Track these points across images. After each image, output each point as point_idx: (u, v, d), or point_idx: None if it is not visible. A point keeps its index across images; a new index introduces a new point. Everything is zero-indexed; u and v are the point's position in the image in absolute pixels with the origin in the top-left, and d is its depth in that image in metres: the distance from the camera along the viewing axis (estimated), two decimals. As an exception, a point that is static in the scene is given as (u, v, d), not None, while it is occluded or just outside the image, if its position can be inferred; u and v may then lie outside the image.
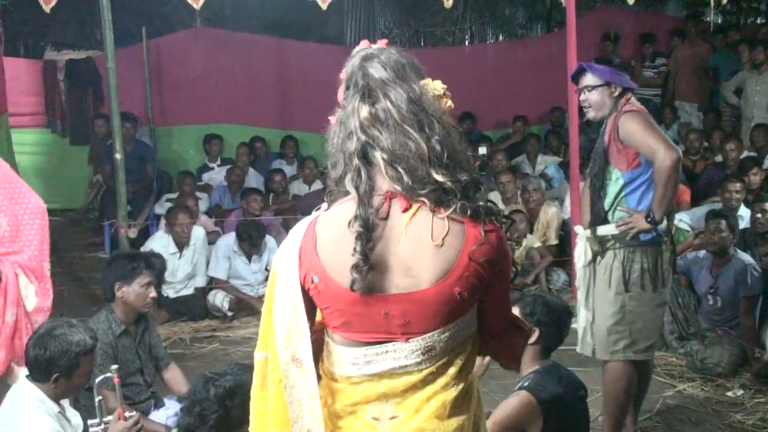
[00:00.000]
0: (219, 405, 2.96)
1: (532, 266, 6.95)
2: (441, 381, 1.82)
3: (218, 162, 9.28)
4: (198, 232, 6.75)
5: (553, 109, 10.18)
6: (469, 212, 1.74)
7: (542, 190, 7.47)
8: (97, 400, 3.18)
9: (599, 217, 3.83)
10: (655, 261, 3.71)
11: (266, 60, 10.01)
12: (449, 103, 1.87)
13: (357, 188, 1.76)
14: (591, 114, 3.94)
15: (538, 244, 7.07)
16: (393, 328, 1.78)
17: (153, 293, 4.06)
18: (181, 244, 6.61)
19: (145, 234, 7.51)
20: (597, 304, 3.87)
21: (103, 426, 3.19)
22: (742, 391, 4.78)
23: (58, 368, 3.16)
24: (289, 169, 8.97)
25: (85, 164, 9.58)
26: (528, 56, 10.88)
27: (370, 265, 1.73)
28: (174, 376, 4.28)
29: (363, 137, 1.77)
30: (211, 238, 7.05)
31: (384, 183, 1.77)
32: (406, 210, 1.75)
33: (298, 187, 8.58)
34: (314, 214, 1.87)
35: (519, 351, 2.10)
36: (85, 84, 9.59)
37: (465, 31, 12.62)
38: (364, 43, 1.90)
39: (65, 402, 3.38)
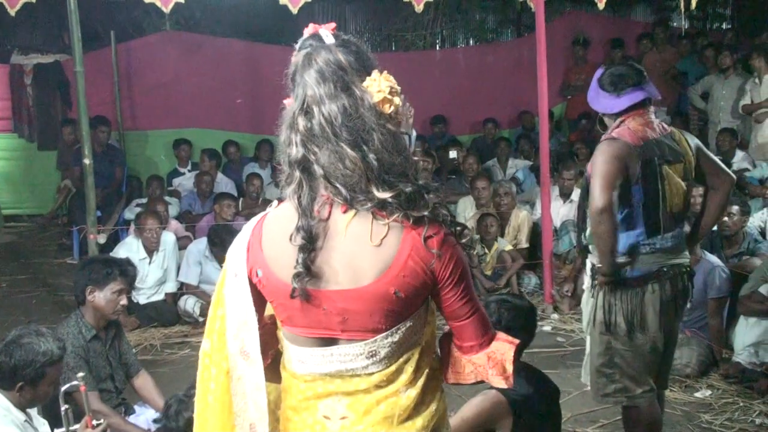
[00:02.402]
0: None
1: (504, 269, 6.98)
2: (392, 388, 1.83)
3: (188, 167, 9.22)
4: (168, 238, 6.70)
5: (523, 113, 10.25)
6: (411, 220, 1.74)
7: (513, 193, 7.51)
8: (63, 408, 3.14)
9: (583, 247, 3.61)
10: (636, 303, 3.38)
11: (237, 64, 9.97)
12: (396, 102, 1.80)
13: (299, 200, 1.77)
14: (599, 126, 3.72)
15: (509, 247, 7.10)
16: (332, 325, 1.80)
17: (124, 301, 4.04)
18: (151, 249, 6.55)
19: (114, 239, 7.44)
20: (590, 338, 3.59)
21: (70, 434, 3.15)
22: (710, 392, 4.83)
23: (22, 377, 3.11)
24: (263, 173, 8.93)
25: (53, 169, 9.48)
26: (498, 60, 10.95)
27: (312, 270, 1.75)
28: (144, 383, 4.24)
29: (302, 150, 1.76)
30: (182, 244, 7.00)
31: (325, 190, 1.78)
32: (346, 211, 1.76)
33: (270, 192, 8.55)
34: (267, 209, 1.92)
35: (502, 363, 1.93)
36: (53, 88, 9.49)
37: (436, 35, 12.65)
38: (311, 28, 1.87)
39: (33, 410, 3.33)
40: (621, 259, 3.37)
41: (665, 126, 3.49)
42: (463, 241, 1.83)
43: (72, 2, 5.66)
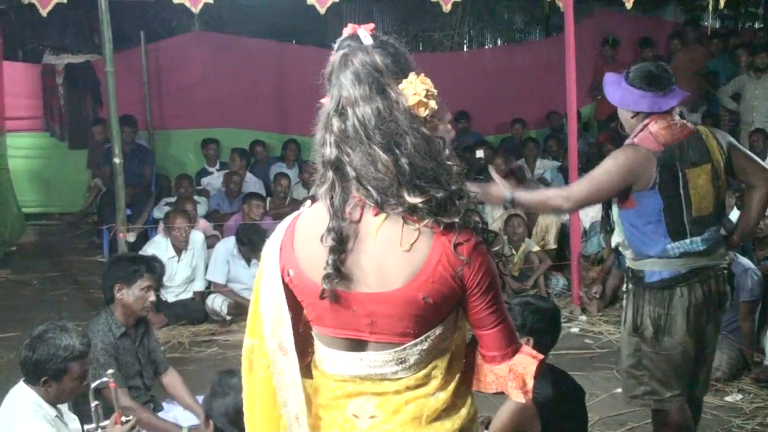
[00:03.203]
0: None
1: (531, 270, 6.95)
2: (422, 391, 1.84)
3: (217, 166, 9.28)
4: (196, 236, 6.75)
5: (551, 113, 10.19)
6: (441, 226, 1.74)
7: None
8: (93, 405, 3.17)
9: (613, 249, 3.63)
10: (663, 306, 3.32)
11: (265, 64, 10.02)
12: (432, 105, 1.79)
13: (331, 201, 1.77)
14: (625, 129, 3.58)
15: (536, 248, 7.07)
16: (361, 326, 1.81)
17: (152, 297, 4.06)
18: (180, 248, 6.60)
19: (143, 238, 7.50)
20: (622, 339, 3.60)
21: (100, 431, 3.18)
22: (741, 396, 4.78)
23: (45, 372, 3.15)
24: (290, 173, 8.96)
25: (84, 168, 9.58)
26: (526, 61, 10.90)
27: (342, 271, 1.76)
28: (173, 380, 4.28)
29: (335, 151, 1.77)
30: (210, 242, 7.04)
31: (357, 191, 1.78)
32: (377, 214, 1.77)
33: (297, 192, 8.58)
34: (301, 209, 1.93)
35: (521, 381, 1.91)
36: (83, 88, 9.60)
37: (463, 35, 12.62)
38: (350, 28, 1.86)
39: (63, 406, 3.37)
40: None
41: (690, 125, 3.40)
42: (495, 249, 1.82)
43: (103, 3, 5.72)
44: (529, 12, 12.62)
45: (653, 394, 3.44)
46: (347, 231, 1.76)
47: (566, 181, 7.43)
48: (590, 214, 7.34)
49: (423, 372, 1.83)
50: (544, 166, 9.15)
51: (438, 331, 1.82)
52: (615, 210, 3.50)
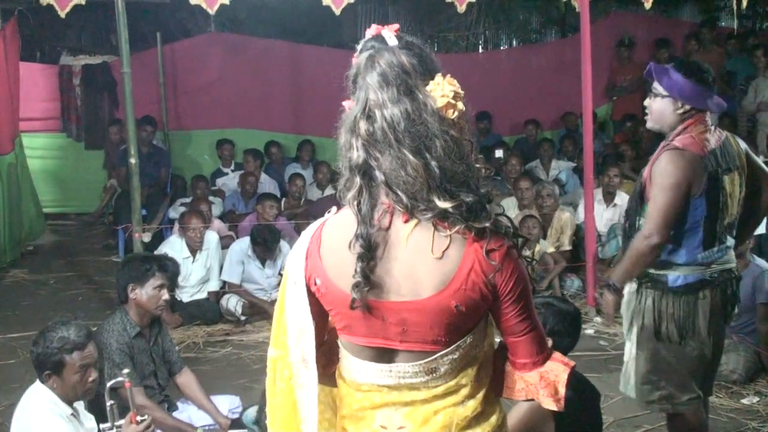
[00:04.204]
0: None
1: (546, 272, 6.93)
2: (451, 399, 1.81)
3: (232, 167, 9.31)
4: (211, 237, 6.77)
5: (566, 114, 10.16)
6: (473, 232, 1.71)
7: (556, 195, 7.45)
8: (108, 404, 3.19)
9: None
10: (688, 310, 3.30)
11: (281, 65, 10.04)
12: (460, 107, 1.74)
13: (359, 207, 1.73)
14: (649, 123, 3.47)
15: (551, 249, 7.04)
16: (391, 335, 1.78)
17: (165, 296, 4.08)
18: (194, 248, 6.63)
19: (159, 238, 7.54)
20: (636, 344, 3.49)
21: (115, 430, 3.19)
22: (757, 399, 4.74)
23: (46, 366, 3.19)
24: (305, 174, 8.98)
25: (100, 168, 9.64)
26: (542, 61, 10.87)
27: (371, 279, 1.73)
28: (187, 380, 4.29)
29: (363, 154, 1.72)
30: (225, 243, 7.07)
31: (386, 197, 1.74)
32: (407, 221, 1.73)
33: (312, 192, 8.59)
34: (326, 216, 1.88)
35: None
36: (100, 89, 9.66)
37: (479, 36, 12.60)
38: (374, 29, 1.82)
39: (80, 405, 3.39)
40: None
41: (720, 131, 3.38)
42: (526, 254, 1.80)
43: (120, 4, 5.75)
44: (545, 13, 12.59)
45: (670, 398, 3.40)
46: (376, 238, 1.73)
47: (581, 182, 7.40)
48: (605, 217, 7.31)
49: (453, 381, 1.80)
50: (560, 166, 9.12)
51: (469, 339, 1.80)
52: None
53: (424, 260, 1.72)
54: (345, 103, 1.81)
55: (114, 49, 9.16)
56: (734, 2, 6.52)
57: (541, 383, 1.85)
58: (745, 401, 4.72)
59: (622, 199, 7.16)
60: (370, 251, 1.72)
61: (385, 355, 1.81)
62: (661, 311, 3.35)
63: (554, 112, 10.49)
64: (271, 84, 9.95)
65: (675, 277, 3.33)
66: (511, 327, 1.82)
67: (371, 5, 11.72)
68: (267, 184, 8.80)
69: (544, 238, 7.13)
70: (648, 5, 6.43)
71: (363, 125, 1.72)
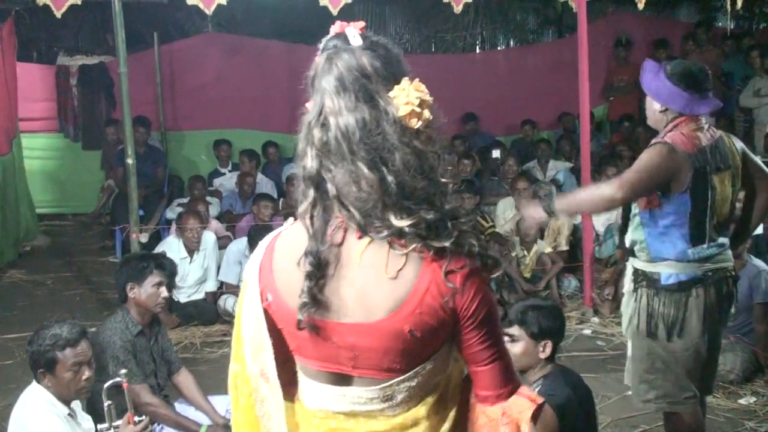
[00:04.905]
0: None
1: (543, 272, 6.93)
2: (414, 431, 1.68)
3: (229, 167, 9.31)
4: (208, 237, 6.77)
5: (563, 114, 10.17)
6: (432, 251, 1.56)
7: (553, 196, 7.43)
8: (105, 404, 3.19)
9: (627, 250, 3.53)
10: (679, 308, 3.31)
11: (278, 65, 10.04)
12: (426, 115, 1.59)
13: (311, 221, 1.62)
14: (647, 120, 3.54)
15: (548, 249, 7.04)
16: (342, 360, 1.65)
17: (164, 293, 4.10)
18: (192, 248, 6.62)
19: (156, 238, 7.53)
20: (632, 343, 3.52)
21: (112, 430, 3.19)
22: (754, 399, 4.75)
23: (39, 364, 3.20)
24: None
25: (98, 169, 9.63)
26: (539, 62, 10.87)
27: (319, 300, 1.61)
28: (185, 380, 4.29)
29: (316, 165, 1.60)
30: (222, 243, 7.06)
31: (340, 211, 1.61)
32: (361, 237, 1.60)
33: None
34: (283, 226, 1.77)
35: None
36: (97, 89, 9.65)
37: (476, 36, 12.61)
38: (338, 26, 1.68)
39: (77, 406, 3.39)
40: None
41: (714, 130, 3.41)
42: (494, 275, 1.63)
43: (117, 4, 5.75)
44: (542, 13, 12.61)
45: (667, 397, 3.41)
46: (327, 255, 1.60)
47: (579, 183, 7.41)
48: (602, 217, 7.31)
49: (413, 410, 1.67)
50: (557, 167, 9.12)
51: (428, 366, 1.65)
52: (636, 209, 3.44)
53: (378, 280, 1.58)
54: (308, 104, 1.68)
55: (111, 50, 9.14)
56: (728, 3, 6.52)
57: (503, 419, 1.68)
58: (742, 401, 4.73)
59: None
60: (319, 269, 1.59)
61: (340, 380, 1.68)
62: (653, 309, 3.36)
63: (551, 112, 10.49)
64: (269, 84, 9.94)
65: (668, 275, 3.34)
66: (473, 355, 1.66)
67: (368, 5, 11.73)
68: (264, 184, 8.80)
69: (542, 238, 7.14)
70: (641, 5, 6.44)
71: (317, 133, 1.60)
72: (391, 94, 1.59)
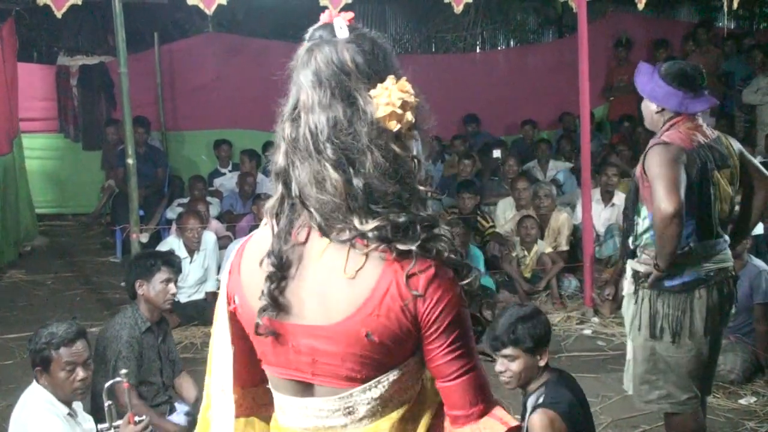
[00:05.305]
0: None
1: (544, 272, 6.93)
2: None
3: (229, 167, 9.31)
4: (209, 237, 6.76)
5: (564, 114, 10.17)
6: (394, 253, 1.46)
7: (553, 196, 7.45)
8: (106, 404, 3.19)
9: (626, 252, 3.53)
10: (683, 309, 3.31)
11: (278, 65, 9.97)
12: (408, 118, 1.50)
13: (277, 220, 1.55)
14: (645, 123, 3.55)
15: (549, 249, 7.04)
16: (302, 366, 1.56)
17: (173, 290, 4.17)
18: (192, 248, 6.62)
19: (156, 239, 7.53)
20: (633, 345, 3.52)
21: (113, 430, 3.19)
22: (755, 399, 4.74)
23: (35, 362, 3.22)
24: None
25: (98, 169, 9.63)
26: (539, 62, 10.88)
27: (280, 302, 1.54)
28: (185, 381, 4.33)
29: (284, 162, 1.53)
30: (223, 243, 7.06)
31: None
32: (323, 236, 1.52)
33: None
34: (259, 228, 1.69)
35: None
36: (97, 89, 9.64)
37: (476, 36, 12.60)
38: (326, 15, 1.60)
39: (78, 406, 3.39)
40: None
41: (712, 130, 3.42)
42: (465, 282, 1.51)
43: (117, 5, 5.74)
44: (542, 13, 12.60)
45: (669, 397, 3.41)
46: (290, 255, 1.52)
47: (578, 183, 7.41)
48: (602, 217, 7.32)
49: (375, 423, 1.56)
50: (557, 167, 9.12)
51: (392, 376, 1.54)
52: (643, 210, 3.42)
53: (337, 280, 1.49)
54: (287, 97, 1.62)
55: (111, 50, 9.13)
56: (725, 3, 6.52)
57: None
58: (742, 401, 4.72)
59: (620, 198, 7.17)
60: (281, 270, 1.52)
61: (302, 390, 1.60)
62: (656, 311, 3.35)
63: (551, 112, 10.50)
64: (269, 84, 9.80)
65: (671, 277, 3.33)
66: (439, 368, 1.53)
67: (369, 5, 11.72)
68: (265, 184, 8.78)
69: (542, 238, 7.14)
70: (641, 6, 6.44)
71: (287, 128, 1.54)
72: (372, 92, 1.50)
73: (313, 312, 1.52)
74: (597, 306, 6.40)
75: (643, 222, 3.43)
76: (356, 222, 1.46)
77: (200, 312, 6.57)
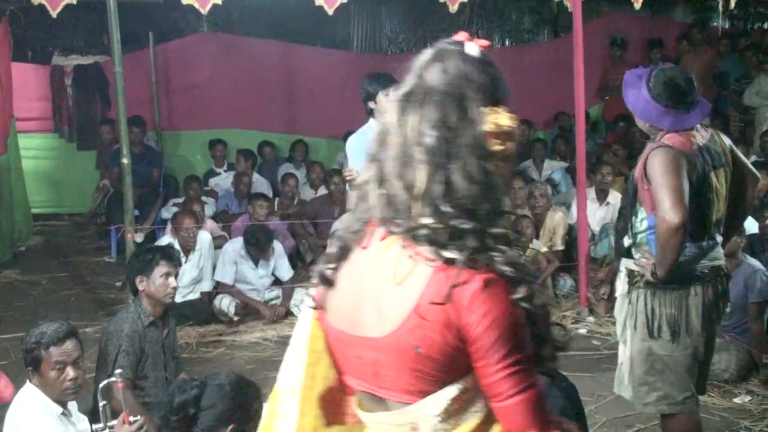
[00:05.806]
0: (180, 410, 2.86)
1: (539, 271, 6.93)
2: None
3: (225, 167, 9.30)
4: (204, 237, 6.76)
5: (559, 114, 10.18)
6: (442, 261, 1.41)
7: (548, 195, 7.46)
8: (101, 404, 3.19)
9: (621, 251, 3.51)
10: (680, 307, 3.30)
11: (273, 65, 10.03)
12: (509, 146, 1.51)
13: (358, 201, 1.58)
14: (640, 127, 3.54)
15: (544, 249, 7.05)
16: (368, 376, 1.53)
17: (173, 283, 4.21)
18: (187, 248, 6.61)
19: (151, 238, 7.52)
20: (630, 345, 3.48)
21: (107, 431, 3.19)
22: (749, 398, 4.76)
23: (27, 361, 3.23)
24: (298, 174, 8.97)
25: (93, 169, 9.61)
26: (535, 61, 10.87)
27: (344, 300, 1.54)
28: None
29: (379, 145, 1.55)
30: (218, 243, 7.05)
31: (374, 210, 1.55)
32: (384, 239, 1.50)
33: (305, 192, 8.58)
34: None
35: None
36: (92, 89, 9.61)
37: (471, 35, 12.59)
38: (461, 35, 1.64)
39: (73, 406, 3.39)
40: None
41: (706, 128, 3.43)
42: (523, 296, 1.43)
43: (112, 4, 5.73)
44: (537, 13, 12.61)
45: (667, 398, 3.40)
46: (354, 260, 1.53)
47: (574, 182, 7.42)
48: (597, 216, 7.33)
49: None
50: (552, 167, 9.14)
51: (451, 393, 1.46)
52: (641, 211, 3.40)
53: (388, 289, 1.46)
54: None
55: (106, 50, 9.10)
56: (720, 3, 6.53)
57: None
58: (737, 400, 4.74)
59: (615, 197, 7.18)
60: (341, 251, 1.55)
61: (373, 403, 1.57)
62: (653, 310, 3.35)
63: (547, 112, 10.51)
64: (264, 84, 9.93)
65: None
66: (490, 387, 1.44)
67: (364, 5, 11.71)
68: (260, 184, 8.79)
69: (537, 238, 7.14)
70: (638, 5, 6.45)
71: (395, 114, 1.54)
72: (484, 109, 1.52)
73: (370, 323, 1.50)
74: (592, 305, 6.41)
75: (640, 223, 3.42)
76: (416, 213, 1.44)
77: (195, 312, 6.57)
